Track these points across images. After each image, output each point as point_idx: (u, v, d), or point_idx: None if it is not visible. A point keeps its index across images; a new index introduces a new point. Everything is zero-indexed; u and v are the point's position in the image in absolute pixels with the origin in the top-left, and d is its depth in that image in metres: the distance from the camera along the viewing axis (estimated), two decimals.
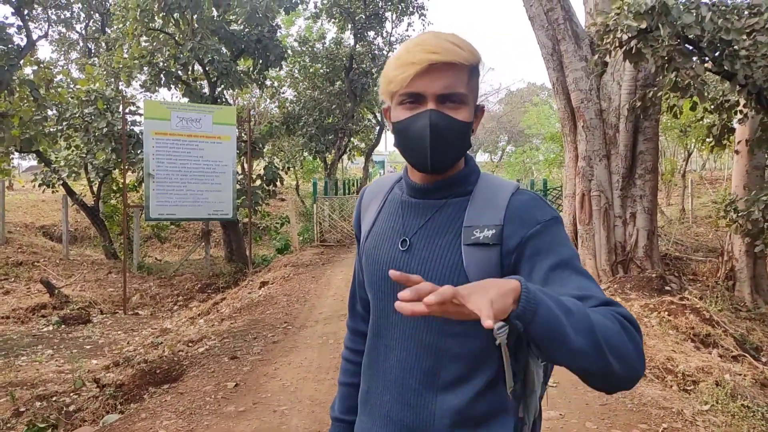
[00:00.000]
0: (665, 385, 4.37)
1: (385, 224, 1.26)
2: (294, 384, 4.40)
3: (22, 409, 4.66)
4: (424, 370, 1.15)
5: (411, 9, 19.93)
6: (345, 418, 1.41)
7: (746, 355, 5.39)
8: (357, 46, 19.56)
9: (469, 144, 1.18)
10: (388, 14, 19.89)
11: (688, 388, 4.31)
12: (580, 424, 3.60)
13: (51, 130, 11.61)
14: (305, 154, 21.82)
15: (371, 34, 19.86)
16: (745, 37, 5.63)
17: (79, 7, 19.96)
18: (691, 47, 6.04)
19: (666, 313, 6.09)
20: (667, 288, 7.65)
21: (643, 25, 5.81)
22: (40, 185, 12.57)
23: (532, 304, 0.88)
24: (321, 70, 19.98)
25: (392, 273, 0.91)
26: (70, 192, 13.32)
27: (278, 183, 13.09)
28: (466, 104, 1.13)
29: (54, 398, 4.85)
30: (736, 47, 5.66)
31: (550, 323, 0.88)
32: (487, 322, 0.80)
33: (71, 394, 4.90)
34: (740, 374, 4.58)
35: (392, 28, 20.65)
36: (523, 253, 1.09)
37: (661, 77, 6.85)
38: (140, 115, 12.31)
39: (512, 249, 1.09)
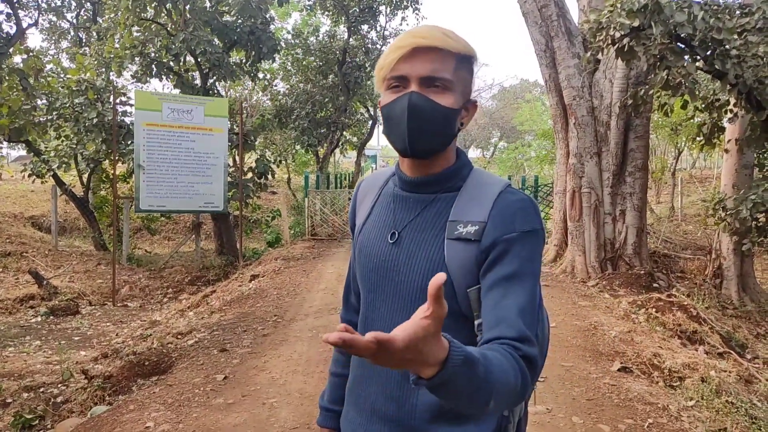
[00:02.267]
0: (651, 380, 4.42)
1: (377, 217, 1.26)
2: (283, 377, 4.40)
3: (9, 401, 4.64)
4: None
5: (405, 3, 19.86)
6: (333, 408, 1.42)
7: (732, 352, 5.46)
8: (350, 39, 19.49)
9: (452, 131, 1.16)
10: (382, 8, 19.80)
11: (674, 384, 4.35)
12: (567, 418, 3.63)
13: (41, 119, 11.52)
14: (297, 147, 21.75)
15: (365, 27, 19.79)
16: (736, 36, 5.67)
17: None
18: (682, 46, 6.07)
19: (653, 309, 6.15)
20: (655, 285, 7.72)
21: (636, 23, 5.83)
22: (29, 175, 12.47)
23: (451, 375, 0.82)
24: (314, 64, 19.91)
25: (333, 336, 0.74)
26: (59, 182, 13.22)
27: (270, 176, 13.05)
28: (450, 90, 1.12)
29: (41, 389, 4.84)
30: (727, 46, 5.70)
31: (457, 391, 0.84)
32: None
33: (59, 386, 4.88)
34: (725, 371, 4.63)
35: (386, 21, 20.60)
36: (490, 255, 1.09)
37: (652, 75, 6.88)
38: (131, 105, 12.22)
39: (485, 248, 1.09)
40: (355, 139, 25.41)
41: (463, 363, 0.82)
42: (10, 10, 8.11)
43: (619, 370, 4.57)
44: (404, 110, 1.10)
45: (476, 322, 1.12)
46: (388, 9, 20.09)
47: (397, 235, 1.19)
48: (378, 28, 20.25)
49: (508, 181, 1.21)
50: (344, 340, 0.72)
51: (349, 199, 13.36)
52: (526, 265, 1.07)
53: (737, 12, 6.07)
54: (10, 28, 7.93)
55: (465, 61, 1.14)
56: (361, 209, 1.34)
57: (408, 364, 0.79)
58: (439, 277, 0.76)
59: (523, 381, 0.95)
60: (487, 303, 1.06)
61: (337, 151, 24.87)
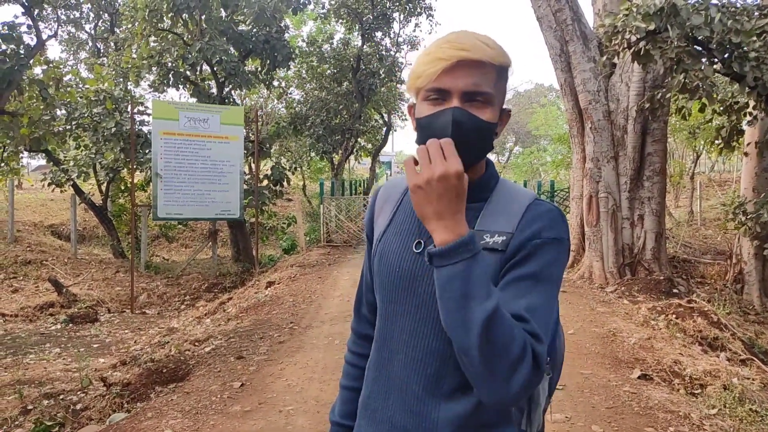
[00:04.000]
0: (672, 388, 4.35)
1: (399, 226, 1.24)
2: (300, 384, 4.40)
3: (29, 407, 4.69)
4: (429, 377, 1.13)
5: (419, 10, 19.93)
6: (344, 423, 1.38)
7: (754, 358, 5.36)
8: (364, 46, 19.57)
9: (491, 146, 1.15)
10: (395, 15, 19.89)
11: (696, 391, 4.28)
12: (587, 427, 3.59)
13: (60, 129, 11.68)
14: (312, 154, 21.86)
15: (379, 34, 19.88)
16: (755, 38, 5.60)
17: (88, 7, 20.08)
18: (700, 48, 6.01)
19: (673, 315, 6.06)
20: (675, 291, 7.62)
21: (652, 27, 5.78)
22: (49, 185, 12.64)
23: (475, 248, 0.97)
24: (328, 71, 20.02)
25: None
26: (78, 191, 13.39)
27: (285, 183, 13.12)
28: (491, 104, 1.11)
29: (61, 396, 4.88)
30: (745, 49, 5.63)
31: (470, 277, 0.95)
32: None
33: (78, 393, 4.92)
34: (748, 378, 4.54)
35: (400, 28, 20.70)
36: (511, 259, 1.08)
37: (669, 79, 6.82)
38: (148, 115, 12.36)
39: (510, 255, 1.08)
40: (369, 145, 25.48)
41: (476, 250, 0.95)
42: (30, 22, 8.24)
43: (639, 377, 4.50)
44: (447, 126, 1.08)
45: None
46: (402, 16, 20.17)
47: (422, 244, 1.16)
48: (392, 35, 20.35)
49: (535, 194, 1.20)
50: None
51: (364, 206, 13.30)
52: (546, 270, 1.06)
53: (756, 13, 6.00)
54: (30, 39, 8.05)
55: (503, 71, 1.13)
56: (380, 217, 1.31)
57: (435, 200, 0.97)
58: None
59: (523, 354, 0.95)
60: (500, 300, 1.03)
61: (352, 157, 24.94)
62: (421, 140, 1.13)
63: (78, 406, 4.61)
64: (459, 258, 0.95)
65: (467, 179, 0.99)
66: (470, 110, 1.09)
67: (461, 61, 1.07)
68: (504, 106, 1.18)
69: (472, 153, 1.12)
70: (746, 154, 8.13)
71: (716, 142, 8.61)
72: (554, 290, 1.07)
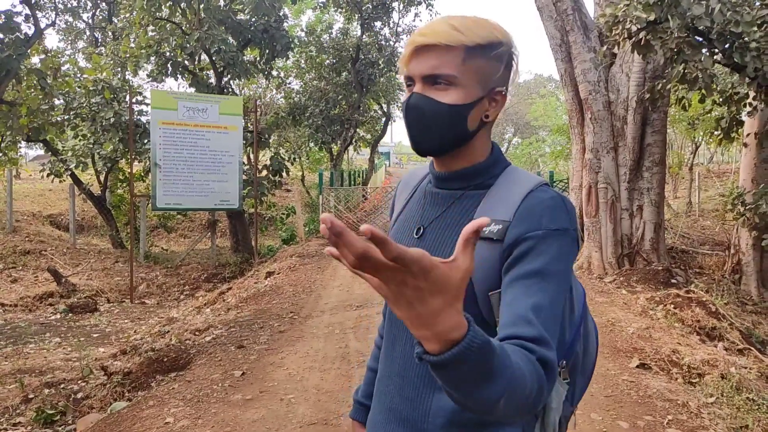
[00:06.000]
0: (670, 377, 4.38)
1: (408, 213, 1.26)
2: (300, 373, 4.42)
3: (30, 396, 4.71)
4: (425, 367, 1.08)
5: None
6: (365, 402, 1.41)
7: (752, 348, 5.39)
8: (364, 36, 19.48)
9: (463, 127, 1.10)
10: (395, 4, 19.77)
11: (694, 380, 4.31)
12: (586, 415, 3.61)
13: (58, 119, 11.65)
14: (311, 144, 21.80)
15: (378, 24, 19.77)
16: (755, 29, 5.58)
17: None
18: (700, 39, 5.99)
19: (672, 306, 6.08)
20: (673, 281, 7.64)
21: (653, 17, 5.77)
22: (48, 175, 12.62)
23: (473, 350, 0.71)
24: (327, 61, 19.93)
25: (364, 227, 0.63)
26: (77, 181, 13.38)
27: (284, 174, 13.11)
28: (455, 85, 1.07)
29: (62, 385, 4.90)
30: (746, 39, 5.61)
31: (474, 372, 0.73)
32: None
33: (79, 382, 4.94)
34: (746, 367, 4.57)
35: (399, 18, 20.65)
36: (512, 253, 1.01)
37: (669, 69, 6.81)
38: (147, 104, 12.32)
39: (507, 246, 1.02)
40: (368, 136, 25.42)
41: (480, 348, 0.71)
42: (28, 11, 8.19)
43: (637, 366, 4.53)
44: (406, 112, 1.12)
45: (498, 329, 1.08)
46: (401, 5, 20.06)
47: (422, 230, 1.17)
48: (391, 25, 20.23)
49: (544, 180, 1.13)
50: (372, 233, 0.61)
51: (363, 196, 13.31)
52: (552, 264, 0.99)
53: (757, 3, 5.98)
54: (28, 28, 8.02)
55: (479, 50, 1.07)
56: (397, 205, 1.34)
57: (416, 303, 0.66)
58: (482, 221, 0.67)
59: (539, 386, 0.85)
60: (505, 300, 0.98)
61: (351, 148, 24.89)
62: (406, 127, 1.16)
63: (79, 395, 4.63)
64: (456, 369, 0.72)
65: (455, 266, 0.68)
66: (430, 93, 1.08)
67: (418, 46, 1.08)
68: (498, 88, 1.12)
69: (437, 137, 1.10)
70: (746, 144, 8.13)
71: (716, 132, 8.61)
72: (562, 286, 0.99)
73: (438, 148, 1.13)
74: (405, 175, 1.38)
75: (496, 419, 0.89)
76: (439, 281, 0.66)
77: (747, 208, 7.20)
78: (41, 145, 13.32)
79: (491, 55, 1.09)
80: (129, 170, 10.91)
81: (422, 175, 1.31)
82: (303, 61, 20.58)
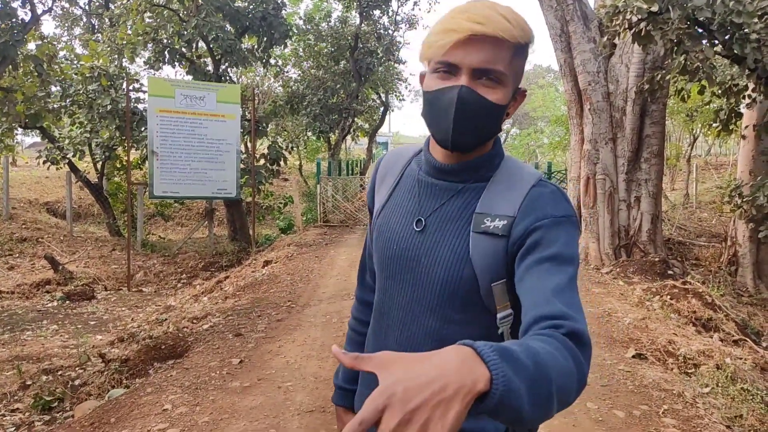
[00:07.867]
0: (666, 367, 4.40)
1: (399, 201, 1.21)
2: (298, 361, 4.44)
3: (28, 383, 4.72)
4: (424, 349, 1.11)
5: None
6: (347, 387, 1.41)
7: (747, 339, 5.42)
8: (362, 25, 19.38)
9: (499, 128, 1.11)
10: None
11: (689, 371, 4.34)
12: (582, 404, 3.63)
13: (55, 106, 11.58)
14: (309, 133, 21.75)
15: (377, 12, 19.66)
16: (756, 20, 5.57)
17: None
18: (701, 30, 5.98)
19: (668, 297, 6.11)
20: (670, 272, 7.67)
21: (654, 8, 5.75)
22: (44, 162, 12.57)
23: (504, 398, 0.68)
24: (326, 50, 19.83)
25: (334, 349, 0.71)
26: (74, 169, 13.32)
27: (282, 162, 13.08)
28: (502, 84, 1.05)
29: (60, 372, 4.91)
30: (746, 30, 5.60)
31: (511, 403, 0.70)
32: None
33: (77, 369, 4.95)
34: (741, 358, 4.60)
35: (398, 6, 20.45)
36: (524, 244, 1.03)
37: (669, 60, 6.80)
38: (144, 92, 12.24)
39: (516, 239, 1.04)
40: (366, 125, 25.37)
41: (501, 357, 0.69)
42: None
43: (633, 356, 4.56)
44: (452, 105, 1.03)
45: (499, 315, 1.08)
46: None
47: (423, 223, 1.14)
48: (390, 13, 20.13)
49: (541, 174, 1.14)
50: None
51: (361, 185, 13.27)
52: (564, 248, 1.00)
53: None
54: (25, 14, 7.97)
55: (521, 49, 1.05)
56: (380, 190, 1.27)
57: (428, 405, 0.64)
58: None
59: (576, 360, 0.82)
60: (524, 286, 0.99)
61: (349, 137, 24.84)
62: (426, 114, 1.10)
63: (77, 382, 4.64)
64: (506, 406, 0.69)
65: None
66: (479, 89, 1.03)
67: (474, 35, 1.00)
68: (521, 86, 1.12)
69: (476, 134, 1.07)
70: (744, 137, 8.14)
71: (714, 124, 8.61)
72: (575, 270, 1.01)
73: (474, 144, 1.09)
74: (386, 156, 1.32)
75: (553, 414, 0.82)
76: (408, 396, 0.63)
77: (744, 200, 7.21)
78: (38, 132, 13.25)
79: (525, 54, 1.08)
80: (126, 158, 10.86)
81: (407, 158, 1.26)
82: (301, 50, 20.49)
